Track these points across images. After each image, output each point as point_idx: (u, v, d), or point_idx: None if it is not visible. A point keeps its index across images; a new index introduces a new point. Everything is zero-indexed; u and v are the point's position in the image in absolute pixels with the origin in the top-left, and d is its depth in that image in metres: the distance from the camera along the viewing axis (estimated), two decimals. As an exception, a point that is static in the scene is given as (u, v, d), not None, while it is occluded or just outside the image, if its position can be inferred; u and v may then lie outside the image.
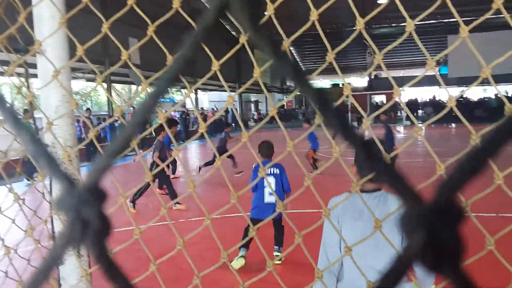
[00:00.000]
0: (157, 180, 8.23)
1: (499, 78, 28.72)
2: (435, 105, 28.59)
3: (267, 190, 4.46)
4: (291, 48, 36.98)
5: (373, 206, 1.83)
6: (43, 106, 1.28)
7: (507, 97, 25.30)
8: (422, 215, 0.24)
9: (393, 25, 25.42)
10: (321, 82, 46.85)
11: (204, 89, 29.39)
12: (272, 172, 4.55)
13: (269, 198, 4.47)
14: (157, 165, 7.36)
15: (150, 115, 0.31)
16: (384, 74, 37.48)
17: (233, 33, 28.35)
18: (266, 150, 4.67)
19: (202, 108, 26.99)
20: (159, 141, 7.80)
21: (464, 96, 27.31)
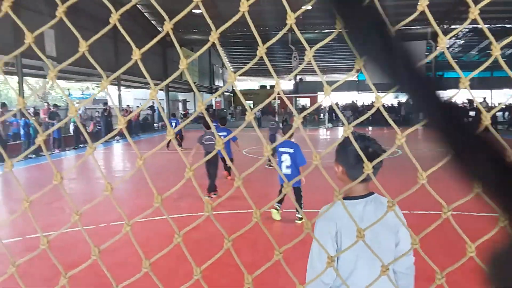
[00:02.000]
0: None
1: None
2: (354, 109, 30.59)
3: (284, 164, 6.14)
4: (221, 48, 36.86)
5: (371, 212, 1.65)
6: None
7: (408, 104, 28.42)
8: None
9: (316, 31, 26.63)
10: (249, 84, 47.48)
11: (128, 86, 28.11)
12: (287, 151, 6.15)
13: (285, 170, 6.13)
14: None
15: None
16: (308, 78, 39.22)
17: (159, 28, 27.55)
18: (287, 131, 6.67)
19: (128, 105, 25.75)
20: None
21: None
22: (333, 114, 29.12)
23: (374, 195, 1.71)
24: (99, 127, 20.37)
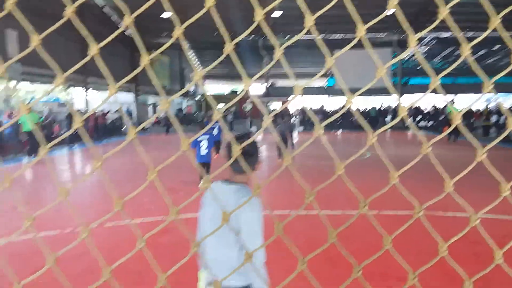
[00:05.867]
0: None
1: (375, 92, 32.42)
2: (323, 113, 31.05)
3: (202, 148, 8.36)
4: (192, 52, 36.64)
5: (231, 195, 1.94)
6: None
7: (380, 109, 28.48)
8: None
9: (286, 38, 26.93)
10: (221, 88, 47.34)
11: (97, 89, 27.35)
12: (205, 138, 8.38)
13: (203, 151, 8.35)
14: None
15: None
16: (280, 83, 39.53)
17: (126, 33, 27.05)
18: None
19: (102, 110, 24.99)
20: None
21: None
22: (303, 118, 29.49)
23: (243, 186, 1.99)
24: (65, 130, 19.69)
